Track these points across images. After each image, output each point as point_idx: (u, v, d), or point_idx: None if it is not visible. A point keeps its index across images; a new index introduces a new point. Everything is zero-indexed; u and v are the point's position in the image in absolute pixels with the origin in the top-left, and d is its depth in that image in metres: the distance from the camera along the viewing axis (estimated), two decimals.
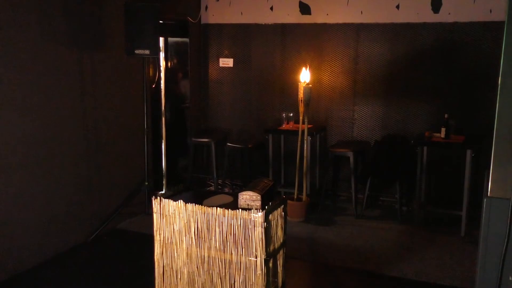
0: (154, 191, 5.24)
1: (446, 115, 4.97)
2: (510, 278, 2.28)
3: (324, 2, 5.81)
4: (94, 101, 4.79)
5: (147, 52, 4.76)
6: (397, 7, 5.49)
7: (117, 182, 5.15)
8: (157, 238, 3.17)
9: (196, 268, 3.10)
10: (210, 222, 3.01)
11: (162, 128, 5.54)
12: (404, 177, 5.34)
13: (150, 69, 5.61)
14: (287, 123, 5.86)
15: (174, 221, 3.10)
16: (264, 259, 2.93)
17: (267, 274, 2.98)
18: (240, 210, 2.94)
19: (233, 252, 2.99)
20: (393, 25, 5.55)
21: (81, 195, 4.69)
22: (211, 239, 3.02)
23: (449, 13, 5.28)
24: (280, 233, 3.24)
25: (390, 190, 5.70)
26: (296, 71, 5.47)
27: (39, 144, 4.20)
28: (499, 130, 2.26)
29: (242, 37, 6.31)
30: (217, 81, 6.53)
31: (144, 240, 4.33)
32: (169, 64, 6.44)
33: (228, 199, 3.24)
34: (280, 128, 5.88)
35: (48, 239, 4.31)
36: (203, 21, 6.49)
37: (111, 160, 5.07)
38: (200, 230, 3.04)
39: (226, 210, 2.96)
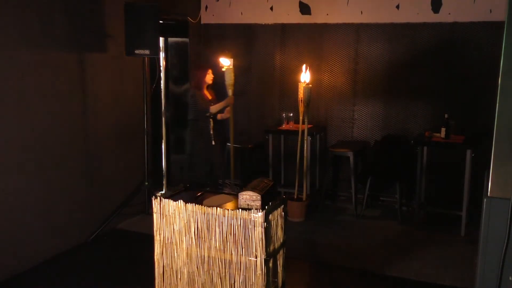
0: (154, 191, 5.25)
1: (446, 115, 4.97)
2: (510, 278, 2.28)
3: (324, 2, 5.81)
4: (94, 101, 4.79)
5: (147, 52, 4.76)
6: (397, 7, 5.49)
7: (117, 182, 5.15)
8: (157, 238, 3.17)
9: (196, 268, 3.10)
10: (210, 222, 3.01)
11: (162, 128, 5.54)
12: (404, 177, 5.34)
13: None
14: (287, 123, 5.87)
15: (174, 221, 3.09)
16: (264, 259, 2.93)
17: (267, 274, 2.98)
18: (240, 210, 2.94)
19: (233, 252, 2.98)
20: (393, 25, 5.54)
21: (81, 195, 4.69)
22: (211, 239, 3.02)
23: (449, 13, 5.27)
24: (280, 233, 3.24)
25: (390, 190, 5.70)
26: (296, 71, 5.47)
27: (39, 145, 4.20)
28: (499, 130, 2.26)
29: (242, 37, 6.31)
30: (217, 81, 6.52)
31: (144, 240, 4.33)
32: (169, 64, 6.44)
33: (228, 199, 3.24)
34: (280, 128, 5.89)
35: (48, 239, 4.31)
36: (203, 21, 6.48)
37: (111, 160, 5.06)
38: (200, 230, 3.04)
39: (226, 210, 2.96)
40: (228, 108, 5.18)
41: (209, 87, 5.23)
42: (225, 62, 4.96)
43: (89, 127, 4.76)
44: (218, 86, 5.31)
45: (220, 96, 5.20)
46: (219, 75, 5.19)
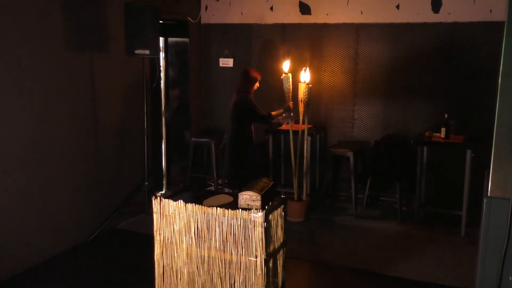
0: (154, 191, 5.24)
1: (446, 115, 4.97)
2: (510, 278, 2.28)
3: (324, 2, 5.81)
4: (94, 101, 4.79)
5: (147, 52, 4.76)
6: (397, 7, 5.49)
7: (117, 182, 5.15)
8: (157, 238, 3.17)
9: (196, 268, 3.10)
10: (210, 222, 3.01)
11: (162, 128, 5.54)
12: (404, 177, 5.34)
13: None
14: (287, 123, 5.85)
15: (174, 221, 3.09)
16: (264, 259, 2.93)
17: (267, 274, 2.98)
18: (240, 210, 2.94)
19: (233, 252, 2.98)
20: (393, 25, 5.54)
21: (81, 195, 4.69)
22: (211, 239, 3.02)
23: (449, 13, 5.27)
24: (280, 233, 3.24)
25: (390, 190, 5.70)
26: (296, 71, 5.47)
27: (39, 145, 4.20)
28: (499, 130, 2.26)
29: (242, 37, 6.31)
30: (217, 81, 6.53)
31: (144, 240, 4.33)
32: (169, 64, 6.44)
33: (228, 199, 3.24)
34: (280, 128, 5.88)
35: (48, 239, 4.31)
36: (203, 21, 6.48)
37: (111, 160, 5.07)
38: (200, 230, 3.04)
39: (226, 210, 2.96)
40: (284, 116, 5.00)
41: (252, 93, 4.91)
42: (286, 68, 5.00)
43: (89, 128, 4.76)
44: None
45: None
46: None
